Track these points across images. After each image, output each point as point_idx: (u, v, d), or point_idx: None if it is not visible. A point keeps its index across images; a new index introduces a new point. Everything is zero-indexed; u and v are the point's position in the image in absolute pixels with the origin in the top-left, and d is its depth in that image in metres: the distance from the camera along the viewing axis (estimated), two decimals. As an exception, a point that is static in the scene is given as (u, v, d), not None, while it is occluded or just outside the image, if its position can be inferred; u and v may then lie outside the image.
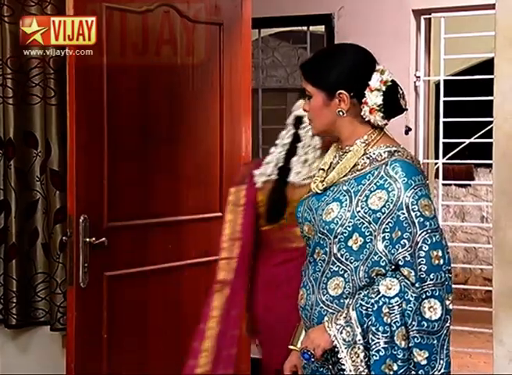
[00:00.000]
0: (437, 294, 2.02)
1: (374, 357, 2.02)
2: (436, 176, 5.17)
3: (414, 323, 2.01)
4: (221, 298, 2.81)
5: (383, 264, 2.06)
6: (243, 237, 2.83)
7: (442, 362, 2.05)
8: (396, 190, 2.06)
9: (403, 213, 2.04)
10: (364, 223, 2.07)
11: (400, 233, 2.04)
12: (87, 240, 3.01)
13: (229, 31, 3.57)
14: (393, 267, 2.06)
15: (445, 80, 4.73)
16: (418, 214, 2.04)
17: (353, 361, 2.04)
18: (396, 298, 2.02)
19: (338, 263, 2.11)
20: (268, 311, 2.83)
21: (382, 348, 2.02)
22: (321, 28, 4.95)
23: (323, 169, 2.23)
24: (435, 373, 2.04)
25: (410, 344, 2.03)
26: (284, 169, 2.81)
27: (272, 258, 2.84)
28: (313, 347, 2.08)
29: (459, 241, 7.40)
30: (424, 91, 4.72)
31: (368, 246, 2.07)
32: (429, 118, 4.86)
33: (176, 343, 3.41)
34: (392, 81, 2.14)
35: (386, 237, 2.05)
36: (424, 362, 2.03)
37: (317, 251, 2.16)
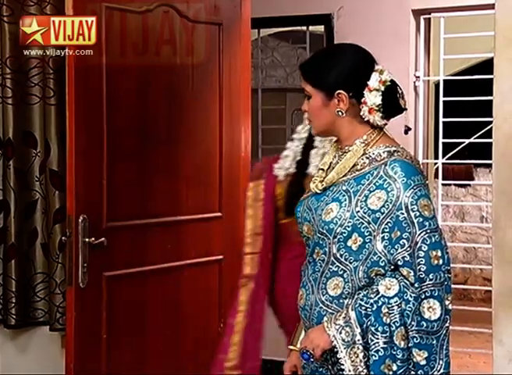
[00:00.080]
0: (436, 294, 2.02)
1: (373, 357, 2.02)
2: (436, 176, 5.17)
3: (413, 323, 2.01)
4: (246, 293, 2.83)
5: (382, 264, 2.06)
6: (264, 232, 2.85)
7: (441, 362, 2.05)
8: (396, 190, 2.06)
9: (403, 213, 2.04)
10: (363, 223, 2.07)
11: (399, 233, 2.04)
12: (87, 240, 3.01)
13: (229, 31, 3.57)
14: (393, 267, 2.06)
15: (444, 80, 4.73)
16: (417, 214, 2.04)
17: (352, 361, 2.04)
18: (396, 298, 2.02)
19: (337, 263, 2.11)
20: (288, 303, 2.85)
21: (382, 348, 2.02)
22: (320, 28, 4.95)
23: (322, 169, 2.23)
24: (435, 373, 2.05)
25: (409, 345, 2.03)
26: (302, 163, 2.82)
27: (291, 250, 2.85)
28: (312, 347, 2.08)
29: (458, 241, 7.40)
30: (423, 90, 4.72)
31: (367, 246, 2.07)
32: (429, 118, 4.86)
33: (175, 343, 3.41)
34: (392, 81, 2.14)
35: (386, 237, 2.05)
36: (423, 363, 2.03)
37: (316, 251, 2.16)
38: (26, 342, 3.66)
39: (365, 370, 2.04)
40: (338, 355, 2.05)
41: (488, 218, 7.27)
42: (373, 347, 2.02)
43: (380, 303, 2.03)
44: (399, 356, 2.02)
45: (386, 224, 2.05)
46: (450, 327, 2.08)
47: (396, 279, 2.04)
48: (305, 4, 4.77)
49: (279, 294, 2.86)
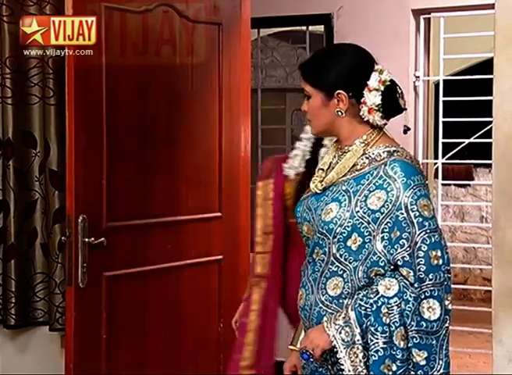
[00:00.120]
0: (436, 294, 2.02)
1: (373, 357, 2.02)
2: (436, 176, 5.17)
3: (412, 323, 2.01)
4: (259, 292, 2.84)
5: (382, 264, 2.06)
6: (274, 231, 2.85)
7: (441, 362, 2.05)
8: (395, 190, 2.06)
9: (402, 213, 2.04)
10: (363, 223, 2.07)
11: (398, 233, 2.04)
12: (86, 240, 3.01)
13: (228, 31, 3.56)
14: (392, 267, 2.06)
15: (444, 80, 4.73)
16: (417, 214, 2.04)
17: (352, 361, 2.04)
18: (395, 298, 2.02)
19: (337, 263, 2.11)
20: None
21: (381, 348, 2.02)
22: (320, 28, 4.95)
23: (322, 169, 2.23)
24: (435, 373, 2.04)
25: (409, 345, 2.03)
26: (311, 162, 2.82)
27: (300, 249, 2.86)
28: (312, 347, 2.08)
29: (458, 241, 7.40)
30: (423, 90, 4.72)
31: (366, 246, 2.07)
32: (429, 118, 4.86)
33: (174, 343, 3.41)
34: (391, 81, 2.14)
35: (385, 237, 2.05)
36: (423, 363, 2.03)
37: (316, 251, 2.16)
38: (25, 342, 3.66)
39: (365, 370, 2.04)
40: (337, 355, 2.05)
41: (488, 218, 7.27)
42: (373, 347, 2.02)
43: (380, 303, 2.03)
44: (398, 356, 2.02)
45: (386, 224, 2.05)
46: (450, 327, 2.08)
47: (396, 279, 2.04)
48: (305, 4, 4.77)
49: (288, 294, 2.87)
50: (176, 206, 3.41)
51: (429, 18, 4.71)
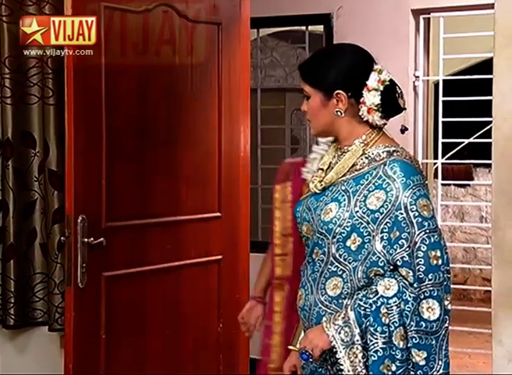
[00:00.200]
0: (435, 294, 2.02)
1: (372, 357, 2.02)
2: (435, 176, 5.17)
3: (412, 323, 2.01)
4: (281, 294, 2.84)
5: (381, 264, 2.05)
6: (294, 233, 2.86)
7: (440, 362, 2.05)
8: (395, 190, 2.05)
9: (402, 213, 2.04)
10: (362, 223, 2.07)
11: (398, 233, 2.04)
12: (85, 240, 3.00)
13: (228, 31, 3.56)
14: (392, 267, 2.06)
15: (444, 80, 4.73)
16: (417, 214, 2.03)
17: (351, 361, 2.04)
18: (395, 299, 2.02)
19: (336, 263, 2.10)
20: None
21: (381, 348, 2.01)
22: (319, 28, 4.95)
23: (322, 169, 2.23)
24: (434, 373, 2.04)
25: (408, 345, 2.02)
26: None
27: None
28: (311, 347, 2.08)
29: (458, 241, 7.40)
30: (423, 90, 4.72)
31: (366, 246, 2.07)
32: (428, 118, 4.86)
33: (174, 343, 3.41)
34: (390, 81, 2.14)
35: (385, 238, 2.05)
36: (422, 363, 2.03)
37: (315, 251, 2.16)
38: (25, 342, 3.66)
39: (364, 370, 2.04)
40: (337, 356, 2.05)
41: (487, 218, 7.27)
42: (372, 347, 2.02)
43: (379, 303, 2.02)
44: (398, 356, 2.02)
45: (385, 224, 2.05)
46: (450, 327, 2.08)
47: (395, 279, 2.03)
48: (304, 4, 4.77)
49: None
50: (176, 206, 3.41)
51: (429, 18, 4.71)
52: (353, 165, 2.15)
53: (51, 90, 3.48)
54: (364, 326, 2.03)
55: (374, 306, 2.03)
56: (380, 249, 2.05)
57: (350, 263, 2.09)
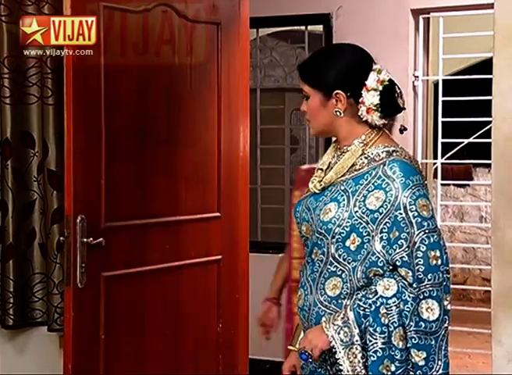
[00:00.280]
0: (435, 294, 2.01)
1: (371, 358, 2.02)
2: (435, 176, 5.17)
3: (411, 323, 2.01)
4: None
5: (381, 264, 2.05)
6: None
7: (440, 362, 2.05)
8: (394, 190, 2.05)
9: (401, 213, 2.03)
10: (361, 223, 2.07)
11: (397, 233, 2.03)
12: (85, 240, 3.00)
13: (227, 31, 3.56)
14: (391, 267, 2.05)
15: (443, 80, 4.73)
16: (416, 214, 2.03)
17: (350, 361, 2.04)
18: (394, 299, 2.02)
19: (336, 263, 2.10)
20: None
21: (380, 348, 2.01)
22: (319, 28, 4.95)
23: (321, 169, 2.23)
24: (434, 373, 2.04)
25: (407, 345, 2.02)
26: None
27: None
28: (311, 347, 2.07)
29: (458, 241, 7.40)
30: (422, 90, 4.72)
31: (365, 246, 2.07)
32: (428, 118, 4.86)
33: (174, 343, 3.41)
34: (390, 80, 2.14)
35: (384, 238, 2.05)
36: (422, 363, 2.03)
37: (315, 251, 2.16)
38: (24, 342, 3.65)
39: (364, 371, 2.04)
40: (336, 356, 2.05)
41: (487, 218, 7.27)
42: (371, 347, 2.02)
43: (378, 303, 2.02)
44: (397, 357, 2.02)
45: (385, 224, 2.05)
46: (449, 328, 2.08)
47: (395, 279, 2.03)
48: (304, 3, 4.77)
49: None
50: (175, 206, 3.41)
51: (428, 18, 4.71)
52: (353, 165, 2.14)
53: (50, 90, 3.48)
54: (363, 326, 2.03)
55: (373, 306, 2.02)
56: (379, 249, 2.05)
57: (349, 263, 2.08)
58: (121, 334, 3.20)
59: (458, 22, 5.09)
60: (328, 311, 2.10)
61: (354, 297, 2.06)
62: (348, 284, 2.08)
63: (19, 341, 3.64)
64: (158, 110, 3.35)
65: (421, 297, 2.01)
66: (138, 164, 3.26)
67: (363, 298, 2.04)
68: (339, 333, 2.04)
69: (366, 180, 2.10)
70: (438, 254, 2.03)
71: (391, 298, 2.02)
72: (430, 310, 2.01)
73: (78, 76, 2.98)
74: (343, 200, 2.10)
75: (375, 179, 2.09)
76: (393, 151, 2.13)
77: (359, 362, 2.03)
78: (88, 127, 3.06)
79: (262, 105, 5.34)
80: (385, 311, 2.02)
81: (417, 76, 4.64)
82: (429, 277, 2.01)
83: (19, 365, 3.62)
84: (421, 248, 2.02)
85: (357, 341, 2.03)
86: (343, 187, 2.13)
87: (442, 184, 5.15)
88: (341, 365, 2.04)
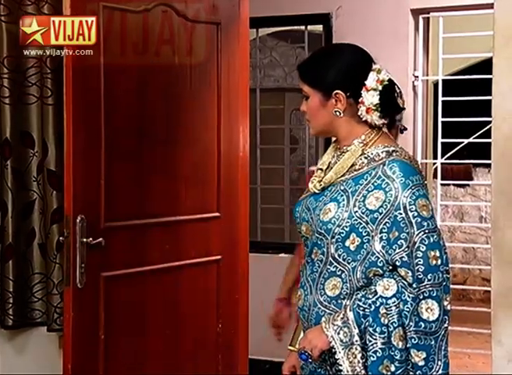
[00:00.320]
0: (434, 294, 2.01)
1: (371, 358, 2.02)
2: (435, 176, 5.17)
3: (411, 323, 2.01)
4: None
5: (380, 264, 2.05)
6: None
7: (439, 363, 2.04)
8: (394, 190, 2.05)
9: (401, 213, 2.03)
10: (361, 224, 2.07)
11: (397, 233, 2.03)
12: (84, 240, 2.99)
13: (227, 31, 3.55)
14: (391, 267, 2.05)
15: (443, 80, 4.73)
16: (416, 214, 2.03)
17: (350, 362, 2.03)
18: (394, 299, 2.02)
19: (335, 263, 2.10)
20: None
21: (380, 348, 2.01)
22: (319, 27, 4.95)
23: (321, 169, 2.23)
24: (433, 373, 2.04)
25: (407, 345, 2.02)
26: None
27: None
28: (310, 347, 2.07)
29: (457, 242, 7.40)
30: (422, 90, 4.72)
31: (365, 246, 2.06)
32: (427, 118, 4.86)
33: (173, 343, 3.40)
34: (389, 80, 2.14)
35: (384, 238, 2.05)
36: (421, 363, 2.03)
37: (314, 251, 2.16)
38: (23, 343, 3.65)
39: (363, 371, 2.04)
40: (336, 356, 2.04)
41: (487, 218, 7.27)
42: (371, 347, 2.01)
43: (378, 304, 2.02)
44: (397, 357, 2.02)
45: (384, 224, 2.05)
46: (449, 328, 2.08)
47: (394, 279, 2.03)
48: (304, 3, 4.77)
49: None
50: (175, 206, 3.40)
51: (428, 18, 4.71)
52: (353, 165, 2.14)
53: (49, 90, 3.47)
54: (363, 326, 2.02)
55: (373, 306, 2.02)
56: (379, 249, 2.05)
57: (349, 263, 2.08)
58: (120, 334, 3.20)
59: (458, 22, 5.09)
60: (327, 311, 2.10)
61: (354, 297, 2.06)
62: (348, 284, 2.08)
63: (19, 341, 3.64)
64: (158, 110, 3.34)
65: (421, 297, 2.01)
66: (138, 164, 3.26)
67: (362, 298, 2.04)
68: (338, 334, 2.03)
69: (366, 180, 2.10)
70: (438, 254, 2.03)
71: (391, 298, 2.02)
72: (430, 310, 2.01)
73: (78, 76, 2.98)
74: (343, 200, 2.10)
75: (374, 179, 2.09)
76: (393, 151, 2.13)
77: (359, 362, 2.03)
78: (88, 127, 3.06)
79: (262, 105, 5.34)
80: (384, 311, 2.02)
81: (417, 76, 4.64)
82: (429, 277, 2.01)
83: (19, 365, 3.62)
84: (421, 248, 2.02)
85: (356, 341, 2.03)
86: (342, 187, 2.12)
87: (441, 184, 5.15)
88: (341, 365, 2.04)
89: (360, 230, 2.07)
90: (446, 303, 2.04)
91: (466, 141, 5.27)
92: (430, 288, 2.01)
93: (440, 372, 2.05)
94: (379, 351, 2.01)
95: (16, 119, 3.48)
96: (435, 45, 4.71)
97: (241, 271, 3.65)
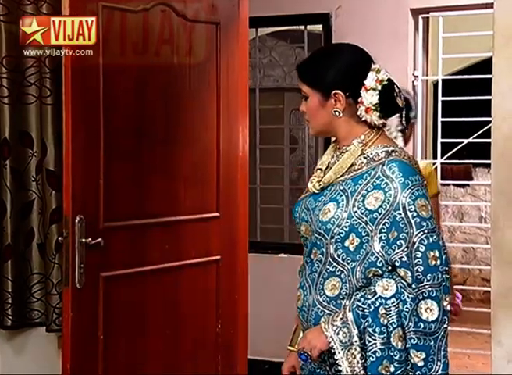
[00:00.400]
0: (434, 294, 2.01)
1: (370, 358, 2.01)
2: (434, 176, 5.16)
3: (410, 324, 2.00)
4: None
5: (380, 265, 2.05)
6: None
7: (439, 363, 2.04)
8: (393, 190, 2.05)
9: (400, 213, 2.03)
10: (360, 224, 2.06)
11: (396, 233, 2.03)
12: (83, 240, 2.99)
13: (226, 30, 3.55)
14: (390, 268, 2.05)
15: (443, 80, 4.73)
16: (415, 214, 2.03)
17: (349, 362, 2.03)
18: (393, 299, 2.01)
19: (334, 264, 2.10)
20: None
21: (379, 349, 2.01)
22: (318, 27, 4.95)
23: (320, 169, 2.22)
24: (433, 374, 2.04)
25: (406, 346, 2.02)
26: None
27: None
28: (310, 348, 2.07)
29: (457, 242, 7.39)
30: (422, 90, 4.72)
31: (364, 246, 2.06)
32: (427, 118, 4.86)
33: (172, 343, 3.40)
34: (389, 80, 2.13)
35: (383, 238, 2.04)
36: (421, 364, 2.03)
37: (314, 251, 2.16)
38: (22, 343, 3.64)
39: (363, 371, 2.03)
40: (335, 356, 2.04)
41: (487, 218, 7.27)
42: (370, 348, 2.01)
43: (377, 304, 2.02)
44: (396, 357, 2.02)
45: (384, 224, 2.04)
46: (449, 328, 2.07)
47: (394, 279, 2.03)
48: (303, 3, 4.77)
49: None
50: (174, 206, 3.40)
51: (428, 17, 4.71)
52: (352, 165, 2.14)
53: (48, 89, 3.47)
54: (362, 326, 2.02)
55: (372, 307, 2.02)
56: (378, 249, 2.05)
57: (348, 263, 2.08)
58: (120, 335, 3.20)
59: (458, 21, 5.09)
60: (327, 311, 2.10)
61: (353, 297, 2.05)
62: (347, 285, 2.08)
63: (18, 342, 3.63)
64: (157, 110, 3.34)
65: (420, 297, 2.01)
66: (137, 164, 3.26)
67: (362, 299, 2.03)
68: (338, 334, 2.03)
69: (365, 180, 2.09)
70: (437, 254, 2.03)
71: (390, 298, 2.02)
72: (429, 310, 2.01)
73: (77, 75, 2.98)
74: (342, 200, 2.10)
75: (374, 179, 2.08)
76: (392, 151, 2.13)
77: (358, 362, 2.03)
78: (87, 127, 3.05)
79: (261, 104, 5.34)
80: (384, 311, 2.01)
81: (417, 76, 4.64)
82: (428, 278, 2.01)
83: (18, 365, 3.61)
84: (420, 249, 2.01)
85: (356, 341, 2.02)
86: (342, 187, 2.12)
87: (441, 184, 5.15)
88: (340, 365, 2.04)
89: (360, 231, 2.06)
90: (445, 303, 2.04)
91: (466, 141, 5.26)
92: (429, 288, 2.01)
93: (440, 372, 2.05)
94: (379, 351, 2.01)
95: (14, 118, 3.47)
96: (435, 45, 4.71)
97: (240, 271, 3.65)
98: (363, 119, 2.14)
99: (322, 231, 2.11)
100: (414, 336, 2.01)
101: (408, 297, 2.01)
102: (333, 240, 2.09)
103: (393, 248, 2.03)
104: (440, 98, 4.70)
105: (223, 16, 3.54)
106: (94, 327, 3.08)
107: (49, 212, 3.48)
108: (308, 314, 2.15)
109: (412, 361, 2.03)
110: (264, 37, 5.81)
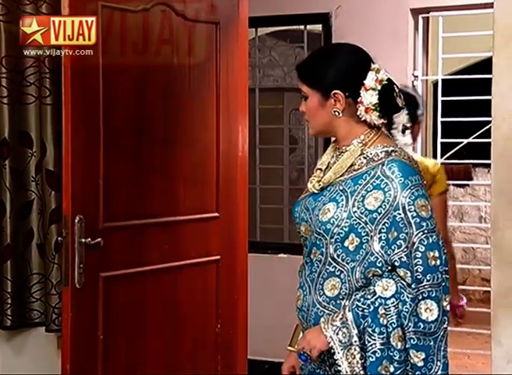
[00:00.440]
0: (434, 295, 2.01)
1: (370, 358, 2.01)
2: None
3: (410, 324, 2.00)
4: None
5: (379, 265, 2.05)
6: None
7: (439, 363, 2.04)
8: (393, 190, 2.04)
9: (400, 213, 2.03)
10: (360, 224, 2.06)
11: (396, 233, 2.03)
12: (83, 240, 2.99)
13: (226, 30, 3.55)
14: (390, 268, 2.05)
15: (443, 80, 4.72)
16: (415, 214, 2.02)
17: (349, 362, 2.03)
18: (393, 299, 2.01)
19: (334, 264, 2.09)
20: None
21: (379, 349, 2.01)
22: (318, 27, 4.95)
23: (320, 169, 2.22)
24: (432, 374, 2.03)
25: (406, 346, 2.02)
26: None
27: None
28: (309, 348, 2.07)
29: (457, 242, 7.38)
30: (422, 90, 4.71)
31: (364, 246, 2.06)
32: (427, 117, 4.85)
33: (172, 343, 3.40)
34: (388, 80, 2.13)
35: (383, 238, 2.04)
36: (420, 364, 2.02)
37: (313, 251, 2.15)
38: (22, 343, 3.64)
39: (362, 372, 2.03)
40: (335, 357, 2.04)
41: (486, 218, 7.26)
42: (370, 348, 2.01)
43: (377, 304, 2.02)
44: (396, 357, 2.01)
45: (383, 224, 2.04)
46: (449, 328, 2.07)
47: (393, 280, 2.03)
48: (303, 3, 4.76)
49: None
50: (174, 206, 3.40)
51: (428, 17, 4.71)
52: (352, 165, 2.14)
53: (48, 89, 3.46)
54: (362, 327, 2.02)
55: (372, 307, 2.02)
56: (378, 250, 2.05)
57: (347, 264, 2.08)
58: (119, 335, 3.20)
59: (458, 21, 5.08)
60: (326, 311, 2.09)
61: (353, 297, 2.05)
62: (347, 285, 2.08)
63: (17, 342, 3.63)
64: (157, 110, 3.34)
65: (420, 297, 2.01)
66: (137, 164, 3.26)
67: (361, 299, 2.03)
68: (337, 334, 2.03)
69: (365, 180, 2.09)
70: (437, 254, 2.02)
71: (390, 298, 2.01)
72: (429, 311, 2.01)
73: (76, 75, 2.98)
74: (342, 200, 2.10)
75: (373, 179, 2.08)
76: (392, 151, 2.13)
77: (358, 362, 2.03)
78: (86, 127, 3.05)
79: (261, 104, 5.34)
80: (383, 311, 2.01)
81: (417, 76, 4.63)
82: (428, 278, 2.00)
83: (18, 365, 3.61)
84: (420, 249, 2.01)
85: (355, 341, 2.02)
86: (341, 187, 2.12)
87: (441, 184, 5.13)
88: (340, 365, 2.04)
89: (359, 231, 2.06)
90: (445, 304, 2.04)
91: (465, 141, 5.26)
92: (429, 289, 2.01)
93: (439, 372, 2.04)
94: (378, 351, 2.01)
95: (14, 118, 3.47)
96: (435, 45, 4.71)
97: (240, 271, 3.65)
98: (362, 119, 2.14)
99: (322, 231, 2.11)
100: (413, 336, 2.01)
101: (408, 297, 2.01)
102: (333, 240, 2.09)
103: (393, 248, 2.03)
104: (440, 98, 4.69)
105: (223, 15, 3.54)
106: (93, 327, 3.08)
107: (49, 212, 3.48)
108: (308, 314, 2.15)
109: (412, 361, 2.02)
110: (264, 36, 5.80)
